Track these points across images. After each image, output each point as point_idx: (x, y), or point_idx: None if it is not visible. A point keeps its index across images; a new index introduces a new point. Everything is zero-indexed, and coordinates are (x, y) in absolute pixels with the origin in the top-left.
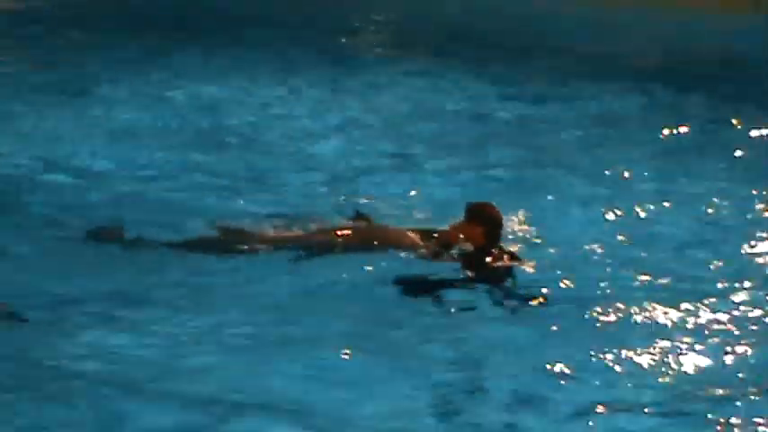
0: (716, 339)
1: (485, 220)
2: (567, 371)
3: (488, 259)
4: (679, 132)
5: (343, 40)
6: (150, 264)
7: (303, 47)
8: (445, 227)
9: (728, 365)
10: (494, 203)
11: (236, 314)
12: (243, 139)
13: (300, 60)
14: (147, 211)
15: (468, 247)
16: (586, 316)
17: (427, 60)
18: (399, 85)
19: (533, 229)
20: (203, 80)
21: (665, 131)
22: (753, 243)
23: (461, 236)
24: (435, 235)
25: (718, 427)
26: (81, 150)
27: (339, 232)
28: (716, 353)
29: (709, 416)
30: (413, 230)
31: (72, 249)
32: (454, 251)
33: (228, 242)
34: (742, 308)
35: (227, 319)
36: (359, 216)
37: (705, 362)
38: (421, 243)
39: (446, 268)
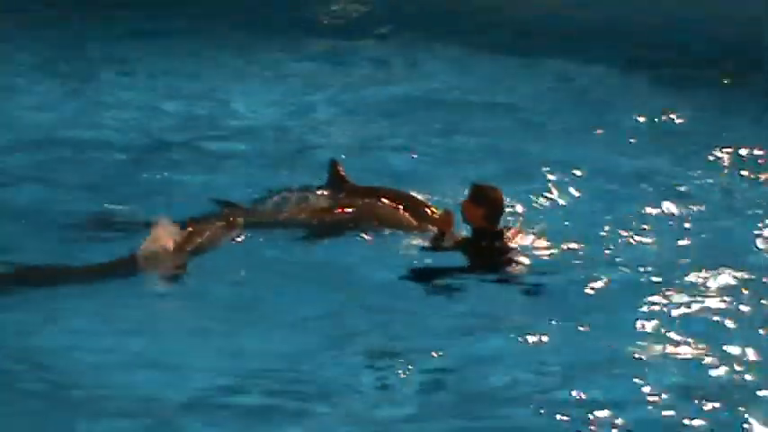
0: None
1: (486, 203)
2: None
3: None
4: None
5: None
6: None
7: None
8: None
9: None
10: (498, 187)
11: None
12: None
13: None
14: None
15: (462, 233)
16: (583, 299)
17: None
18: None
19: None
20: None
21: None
22: None
23: (449, 226)
24: (431, 213)
25: None
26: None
27: (335, 210)
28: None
29: None
30: (406, 202)
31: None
32: (451, 238)
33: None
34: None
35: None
36: (339, 180)
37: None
38: (416, 224)
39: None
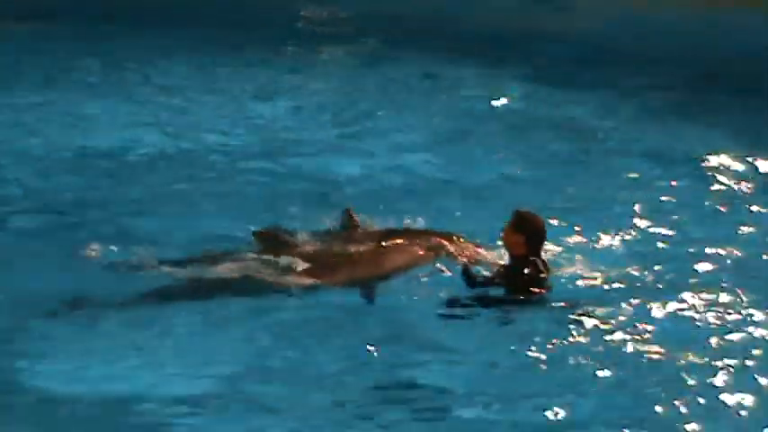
0: None
1: (528, 230)
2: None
3: (526, 271)
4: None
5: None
6: None
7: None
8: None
9: None
10: (539, 214)
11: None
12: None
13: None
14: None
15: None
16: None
17: None
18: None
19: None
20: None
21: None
22: None
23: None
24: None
25: None
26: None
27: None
28: None
29: None
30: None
31: None
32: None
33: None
34: None
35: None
36: (349, 220)
37: None
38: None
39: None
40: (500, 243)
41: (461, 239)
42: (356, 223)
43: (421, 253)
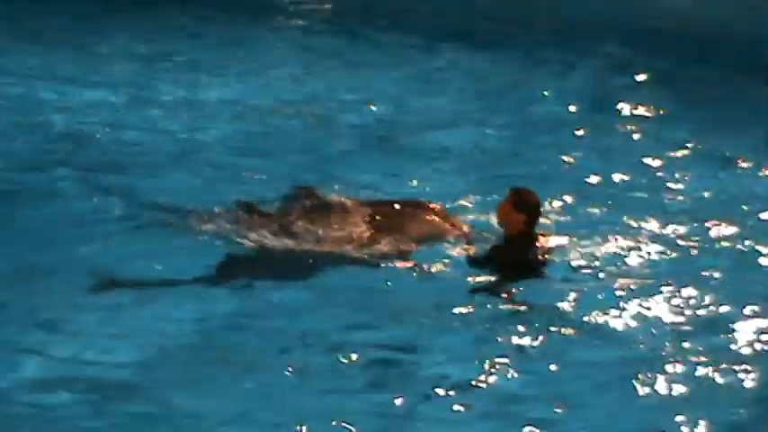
0: None
1: (528, 208)
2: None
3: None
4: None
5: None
6: None
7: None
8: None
9: None
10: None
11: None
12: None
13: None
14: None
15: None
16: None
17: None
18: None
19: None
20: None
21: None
22: None
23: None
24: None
25: None
26: None
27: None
28: None
29: None
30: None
31: None
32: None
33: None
34: None
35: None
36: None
37: None
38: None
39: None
40: (495, 221)
41: (435, 206)
42: (312, 191)
43: (448, 225)
